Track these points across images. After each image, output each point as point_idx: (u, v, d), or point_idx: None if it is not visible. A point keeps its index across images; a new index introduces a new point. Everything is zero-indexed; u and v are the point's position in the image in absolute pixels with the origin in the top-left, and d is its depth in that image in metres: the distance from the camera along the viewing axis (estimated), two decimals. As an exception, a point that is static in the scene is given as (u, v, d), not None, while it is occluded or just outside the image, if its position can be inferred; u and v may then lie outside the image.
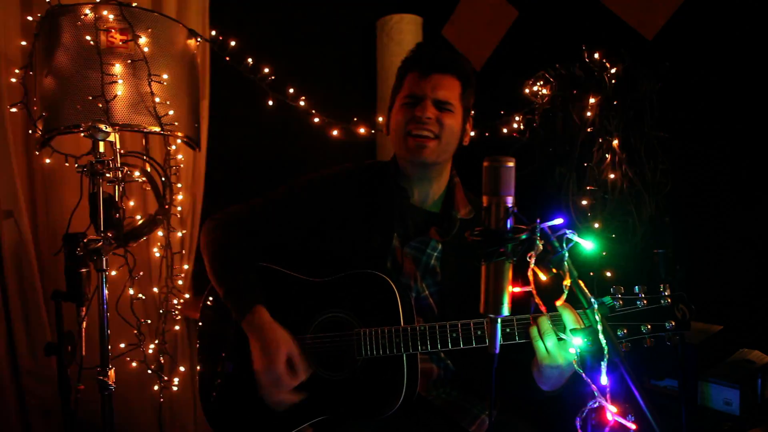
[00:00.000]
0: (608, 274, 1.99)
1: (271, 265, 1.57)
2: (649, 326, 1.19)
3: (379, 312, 1.41)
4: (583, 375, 1.04)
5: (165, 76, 1.65)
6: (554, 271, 0.99)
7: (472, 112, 1.62)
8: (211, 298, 1.62)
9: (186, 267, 2.45)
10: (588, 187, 2.04)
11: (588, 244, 0.99)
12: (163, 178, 2.03)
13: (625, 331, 1.20)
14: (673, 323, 1.19)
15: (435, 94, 1.48)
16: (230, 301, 1.47)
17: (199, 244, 1.65)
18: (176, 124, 1.68)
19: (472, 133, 1.66)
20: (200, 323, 1.64)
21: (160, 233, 2.25)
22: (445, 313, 1.50)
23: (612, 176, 2.01)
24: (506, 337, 1.28)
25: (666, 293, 1.21)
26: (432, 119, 1.47)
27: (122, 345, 2.08)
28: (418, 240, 1.55)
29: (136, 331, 2.06)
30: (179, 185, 2.28)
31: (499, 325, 1.00)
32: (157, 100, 1.62)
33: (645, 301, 1.21)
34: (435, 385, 1.52)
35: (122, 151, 1.71)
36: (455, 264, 1.53)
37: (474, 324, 1.32)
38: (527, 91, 2.26)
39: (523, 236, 0.95)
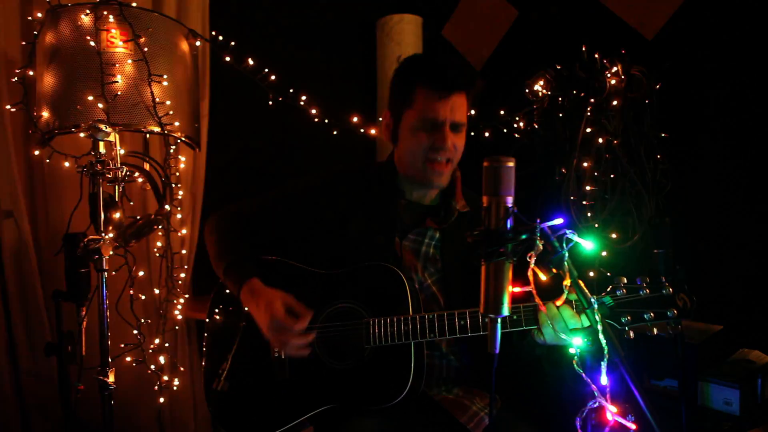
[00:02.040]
0: (608, 274, 1.99)
1: (279, 257, 1.59)
2: (652, 314, 1.22)
3: (388, 302, 1.43)
4: (583, 375, 1.04)
5: (165, 76, 1.65)
6: (554, 271, 0.99)
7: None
8: (220, 292, 1.63)
9: (186, 267, 2.45)
10: (588, 187, 2.04)
11: (588, 244, 0.99)
12: (163, 178, 2.03)
13: (629, 318, 1.22)
14: (675, 311, 1.21)
15: (453, 117, 1.46)
16: (228, 277, 1.51)
17: (203, 240, 1.67)
18: (176, 124, 1.68)
19: (472, 133, 1.66)
20: (209, 317, 1.65)
21: (160, 233, 2.25)
22: (450, 300, 1.52)
23: (612, 176, 2.01)
24: (513, 323, 1.32)
25: (667, 283, 1.24)
26: (451, 147, 1.47)
27: (122, 345, 2.08)
28: (416, 232, 1.57)
29: (136, 331, 2.06)
30: (179, 185, 2.28)
31: (499, 326, 1.00)
32: (157, 100, 1.63)
33: (647, 290, 1.23)
34: (437, 382, 1.53)
35: (122, 151, 1.71)
36: (455, 250, 1.55)
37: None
38: (527, 91, 2.26)
39: (523, 236, 0.95)
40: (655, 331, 1.23)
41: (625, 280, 1.24)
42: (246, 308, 1.47)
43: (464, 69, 1.55)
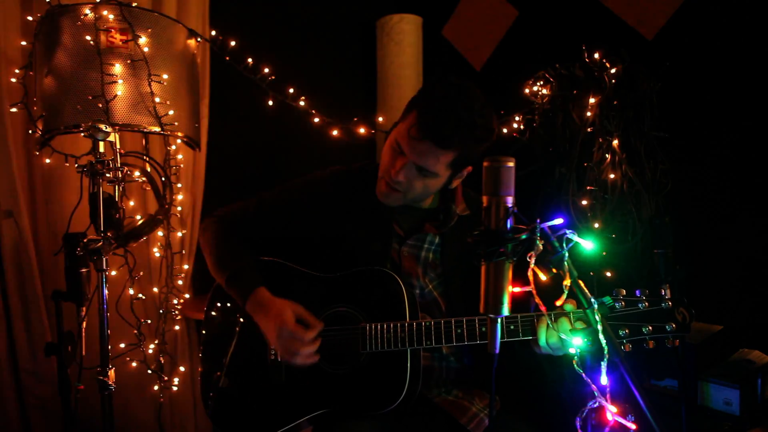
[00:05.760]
0: (608, 274, 1.99)
1: (277, 259, 1.59)
2: (650, 327, 1.21)
3: (384, 308, 1.42)
4: (583, 375, 1.04)
5: (165, 76, 1.65)
6: (554, 271, 0.99)
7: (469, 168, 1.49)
8: (216, 295, 1.62)
9: (186, 267, 2.45)
10: (588, 187, 2.03)
11: (588, 244, 0.99)
12: (163, 178, 2.03)
13: (627, 332, 1.21)
14: (674, 326, 1.21)
15: (417, 161, 1.38)
16: (232, 288, 1.50)
17: (199, 243, 1.66)
18: (176, 124, 1.68)
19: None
20: (205, 320, 1.64)
21: (160, 233, 2.25)
22: (451, 304, 1.52)
23: (612, 176, 2.00)
24: (510, 333, 1.32)
25: (667, 296, 1.23)
26: (401, 182, 1.42)
27: (122, 345, 2.08)
28: (415, 237, 1.56)
29: (136, 331, 2.06)
30: (179, 185, 2.28)
31: (499, 326, 1.00)
32: (157, 100, 1.63)
33: (646, 304, 1.23)
34: (437, 384, 1.53)
35: (122, 151, 1.71)
36: (456, 255, 1.55)
37: (479, 320, 1.34)
38: (527, 91, 2.26)
39: (523, 236, 0.95)
40: (652, 344, 1.22)
41: (624, 292, 1.23)
42: (252, 317, 1.46)
43: (463, 131, 1.33)
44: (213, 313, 1.62)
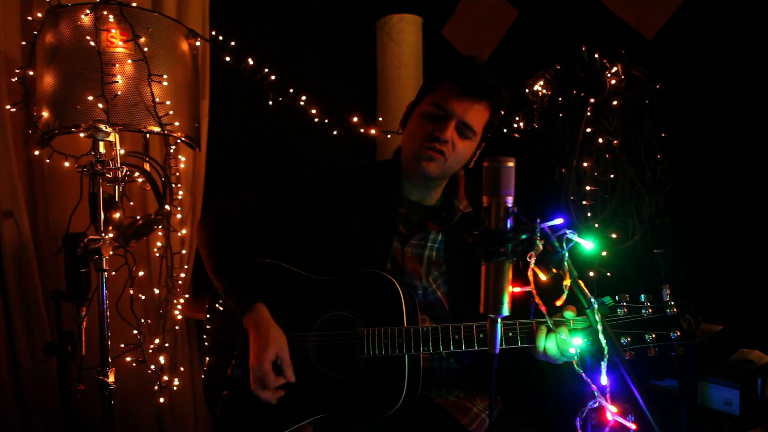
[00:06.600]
0: (608, 274, 1.99)
1: (276, 261, 1.58)
2: (653, 335, 1.18)
3: (382, 312, 1.41)
4: (583, 375, 1.04)
5: (165, 76, 1.65)
6: (554, 271, 0.99)
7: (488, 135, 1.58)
8: (216, 295, 1.62)
9: (186, 267, 2.45)
10: (588, 187, 2.03)
11: (588, 244, 0.99)
12: (163, 178, 2.03)
13: (629, 339, 1.19)
14: (679, 333, 1.18)
15: (463, 116, 1.46)
16: (230, 298, 1.48)
17: (197, 241, 1.65)
18: (176, 124, 1.68)
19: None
20: (207, 321, 1.64)
21: (160, 233, 2.25)
22: (455, 304, 1.51)
23: (612, 176, 2.00)
24: (509, 341, 1.30)
25: (672, 303, 1.20)
26: (448, 142, 1.46)
27: (122, 345, 2.08)
28: (418, 237, 1.55)
29: (136, 331, 2.06)
30: (179, 185, 2.28)
31: (499, 326, 1.00)
32: (157, 100, 1.62)
33: (650, 310, 1.20)
34: (437, 385, 1.52)
35: (122, 151, 1.71)
36: (459, 252, 1.54)
37: (477, 327, 1.33)
38: (527, 91, 2.26)
39: (523, 236, 0.95)
40: (654, 351, 1.19)
41: (628, 297, 1.21)
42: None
43: (493, 78, 1.50)
44: (213, 313, 1.62)
